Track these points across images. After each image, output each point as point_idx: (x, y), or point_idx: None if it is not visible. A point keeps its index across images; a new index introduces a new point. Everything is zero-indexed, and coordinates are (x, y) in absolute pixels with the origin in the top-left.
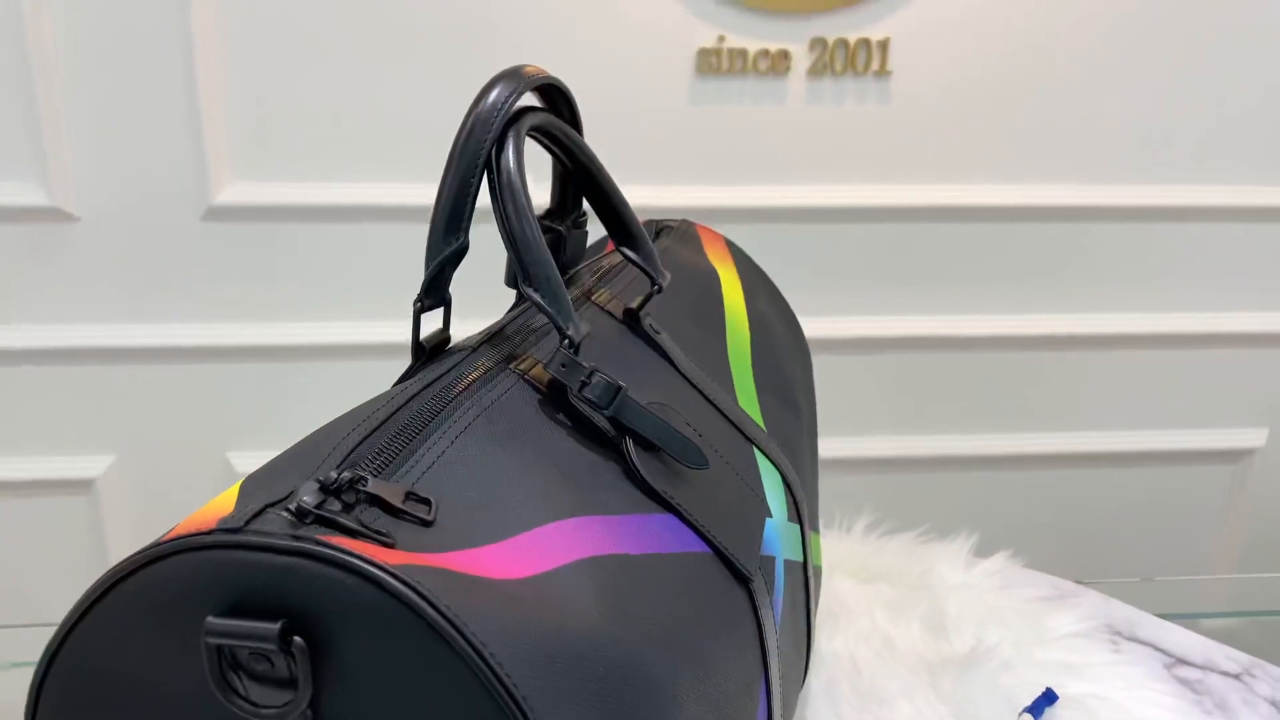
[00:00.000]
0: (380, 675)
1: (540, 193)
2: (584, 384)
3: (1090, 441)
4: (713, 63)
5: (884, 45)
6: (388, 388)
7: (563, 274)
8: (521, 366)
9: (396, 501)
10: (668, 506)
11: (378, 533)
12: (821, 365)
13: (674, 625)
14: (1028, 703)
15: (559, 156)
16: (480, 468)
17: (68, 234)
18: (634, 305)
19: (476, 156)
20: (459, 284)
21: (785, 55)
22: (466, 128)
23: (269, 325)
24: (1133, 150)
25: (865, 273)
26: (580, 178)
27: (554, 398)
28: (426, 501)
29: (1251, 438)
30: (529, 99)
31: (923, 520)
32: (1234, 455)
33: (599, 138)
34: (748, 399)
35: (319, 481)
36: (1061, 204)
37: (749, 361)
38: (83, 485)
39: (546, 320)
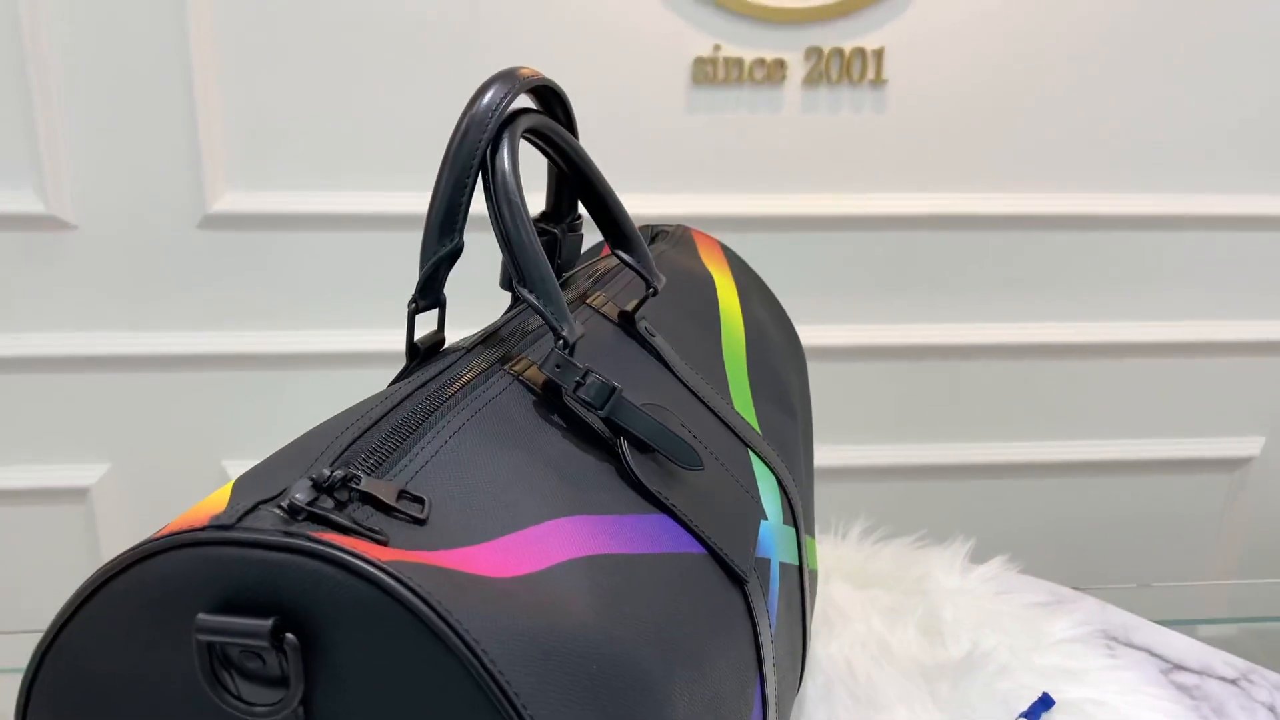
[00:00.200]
0: (373, 672)
1: (536, 199)
2: (579, 384)
3: (1086, 450)
4: (709, 72)
5: (879, 54)
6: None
7: (558, 277)
8: (516, 368)
9: (389, 500)
10: (662, 507)
11: (371, 530)
12: (817, 373)
13: (668, 624)
14: (1024, 708)
15: (554, 159)
16: (474, 467)
17: (64, 242)
18: (629, 308)
19: (471, 157)
20: (455, 293)
21: (781, 64)
22: (461, 128)
23: (265, 333)
24: (1127, 159)
25: (860, 281)
26: (575, 181)
27: (548, 398)
28: (420, 500)
29: (1248, 446)
30: (524, 101)
31: (919, 527)
32: (1231, 464)
33: (595, 146)
34: (743, 402)
35: (312, 479)
36: (1056, 213)
37: (744, 365)
38: (77, 494)
39: (541, 323)
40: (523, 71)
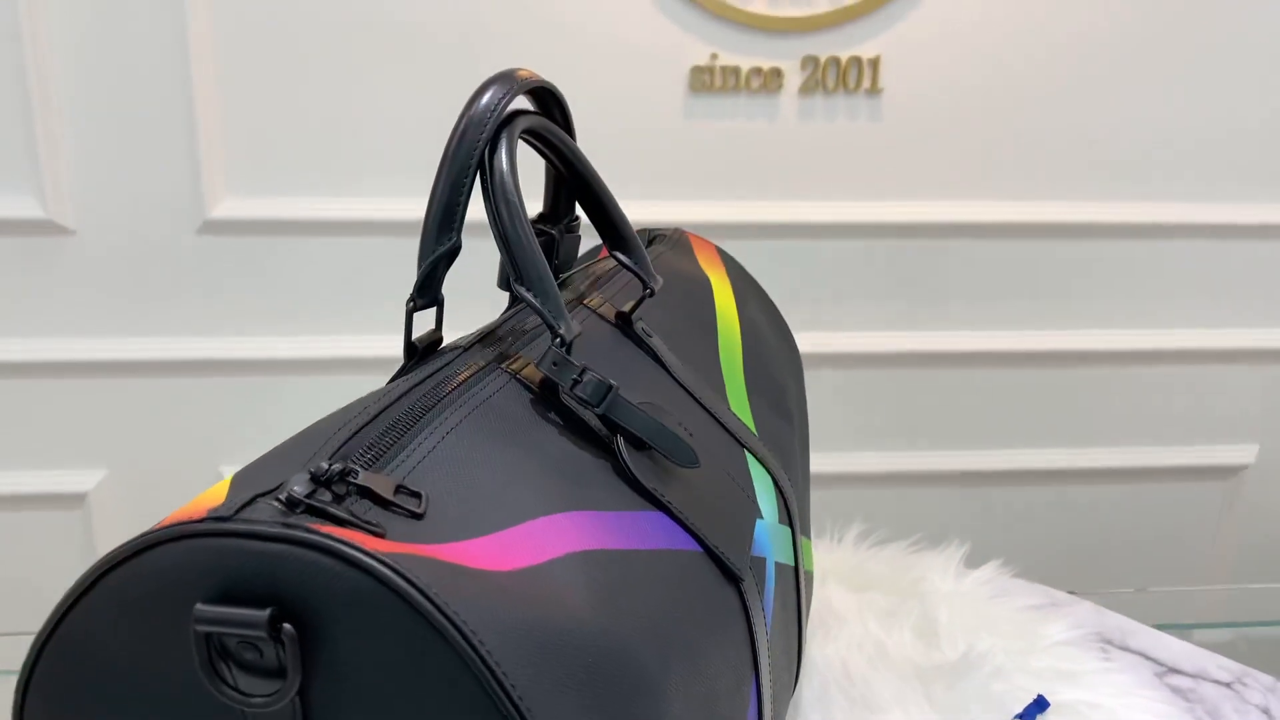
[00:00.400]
0: (369, 663)
1: (534, 204)
2: (575, 382)
3: (1081, 456)
4: (706, 80)
5: (875, 63)
6: None
7: (555, 277)
8: (513, 366)
9: (387, 494)
10: (658, 504)
11: (368, 523)
12: (813, 379)
13: (664, 620)
14: (1019, 710)
15: (551, 159)
16: (471, 463)
17: (63, 247)
18: (626, 309)
19: (470, 157)
20: (454, 293)
21: (778, 73)
22: (460, 129)
23: (263, 339)
24: (1120, 168)
25: (856, 288)
26: (573, 181)
27: (545, 396)
28: (417, 495)
29: (1242, 454)
30: (522, 102)
31: (915, 532)
32: (1225, 471)
33: (593, 153)
34: (739, 403)
35: (310, 472)
36: (1051, 221)
37: (740, 366)
38: (75, 499)
39: (539, 322)
40: (521, 73)
